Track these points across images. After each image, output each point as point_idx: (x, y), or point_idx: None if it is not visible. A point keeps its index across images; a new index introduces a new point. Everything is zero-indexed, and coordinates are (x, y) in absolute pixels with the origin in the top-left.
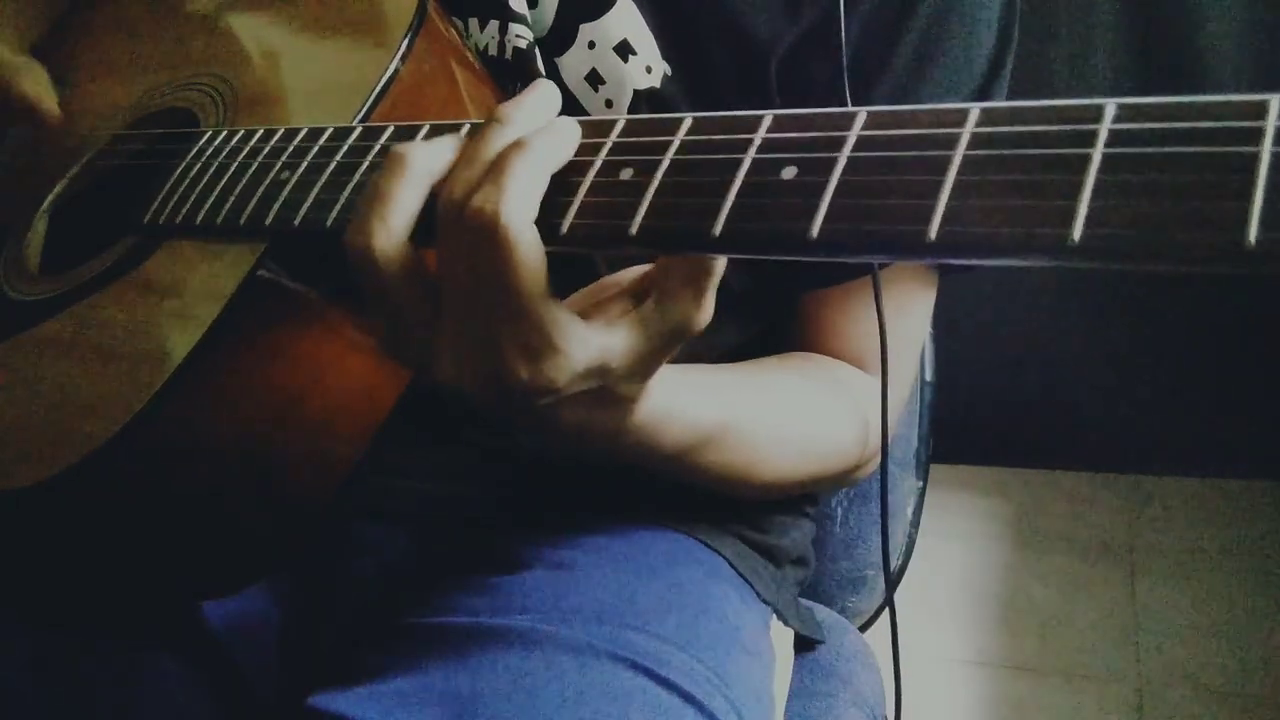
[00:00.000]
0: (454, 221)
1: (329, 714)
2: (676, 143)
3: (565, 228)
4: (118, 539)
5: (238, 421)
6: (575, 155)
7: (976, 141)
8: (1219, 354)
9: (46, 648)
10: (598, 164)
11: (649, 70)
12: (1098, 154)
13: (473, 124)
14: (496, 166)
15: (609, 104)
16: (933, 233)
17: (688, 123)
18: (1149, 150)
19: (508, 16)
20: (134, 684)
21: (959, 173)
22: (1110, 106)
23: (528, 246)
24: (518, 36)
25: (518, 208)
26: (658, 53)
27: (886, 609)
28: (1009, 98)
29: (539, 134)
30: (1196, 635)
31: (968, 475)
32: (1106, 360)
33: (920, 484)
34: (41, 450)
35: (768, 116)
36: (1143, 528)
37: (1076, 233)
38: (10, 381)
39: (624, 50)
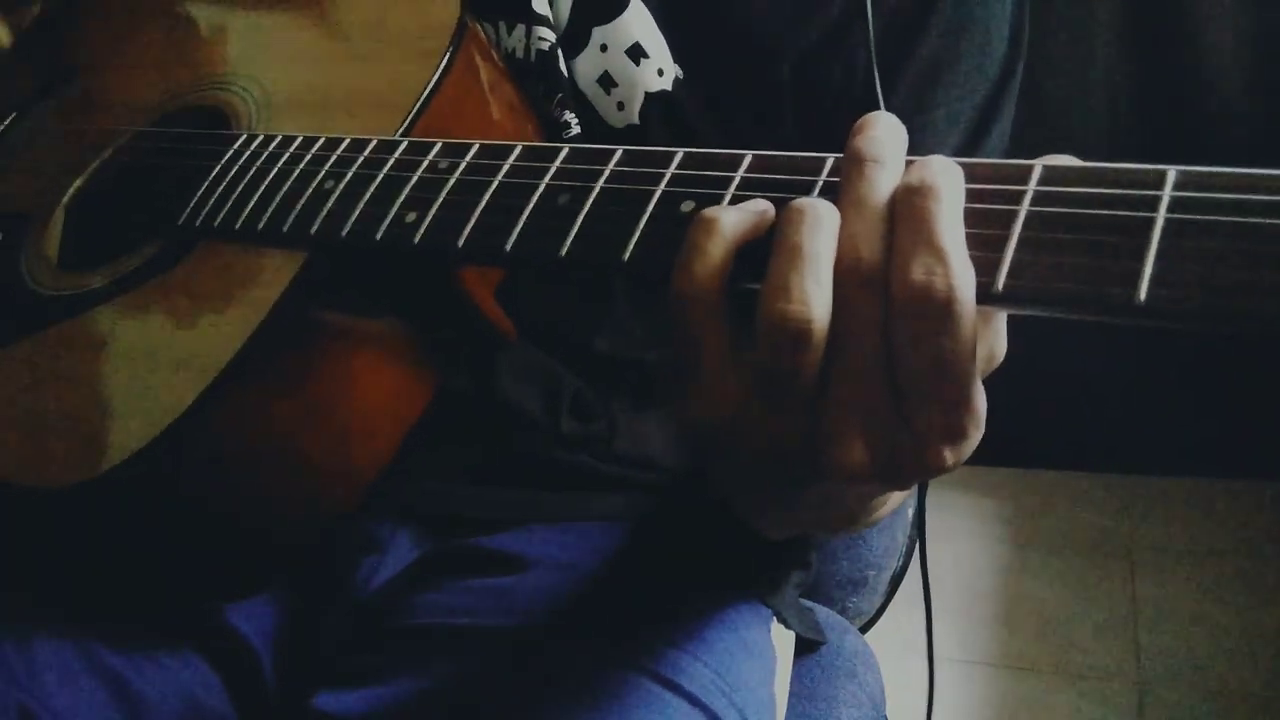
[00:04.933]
0: (866, 288)
1: (333, 715)
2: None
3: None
4: (145, 540)
5: (272, 428)
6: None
7: (1040, 199)
8: (1219, 354)
9: (88, 644)
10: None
11: (661, 73)
12: (1160, 218)
13: (836, 159)
14: (916, 224)
15: (620, 106)
16: (1000, 284)
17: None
18: (1210, 218)
19: (532, 19)
20: (161, 682)
21: (1024, 228)
22: (1171, 173)
23: (974, 324)
24: (540, 39)
25: (969, 280)
26: (669, 56)
27: (924, 614)
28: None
29: (939, 177)
30: (1196, 635)
31: (968, 475)
32: (1107, 360)
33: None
34: (72, 451)
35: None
36: (1143, 528)
37: (1142, 293)
38: (38, 378)
39: (636, 53)
